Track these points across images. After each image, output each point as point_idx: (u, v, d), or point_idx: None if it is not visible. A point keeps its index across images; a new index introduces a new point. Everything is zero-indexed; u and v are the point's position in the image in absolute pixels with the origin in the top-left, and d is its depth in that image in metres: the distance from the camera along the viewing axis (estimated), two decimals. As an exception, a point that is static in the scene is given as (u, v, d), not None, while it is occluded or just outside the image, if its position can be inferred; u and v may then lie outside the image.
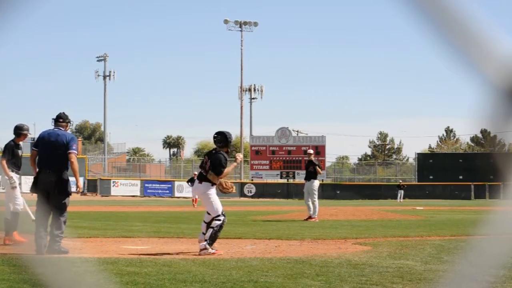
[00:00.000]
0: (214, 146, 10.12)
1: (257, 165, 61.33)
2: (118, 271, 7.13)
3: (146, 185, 57.69)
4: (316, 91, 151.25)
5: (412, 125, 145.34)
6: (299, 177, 57.78)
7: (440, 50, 2.00)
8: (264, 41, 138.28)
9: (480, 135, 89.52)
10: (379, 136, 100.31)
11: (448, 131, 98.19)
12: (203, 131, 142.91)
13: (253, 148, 61.98)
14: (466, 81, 2.03)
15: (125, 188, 56.56)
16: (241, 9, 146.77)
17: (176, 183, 57.59)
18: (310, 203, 19.09)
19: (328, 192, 56.33)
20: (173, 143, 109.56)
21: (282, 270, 7.42)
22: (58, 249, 9.18)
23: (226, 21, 66.57)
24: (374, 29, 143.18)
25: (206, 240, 9.46)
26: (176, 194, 56.26)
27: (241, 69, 67.34)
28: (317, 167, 19.51)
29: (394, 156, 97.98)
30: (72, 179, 9.53)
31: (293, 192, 57.35)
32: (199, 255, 9.21)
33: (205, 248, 9.38)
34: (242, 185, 59.72)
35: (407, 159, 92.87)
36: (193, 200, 34.19)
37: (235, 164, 10.58)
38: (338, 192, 59.10)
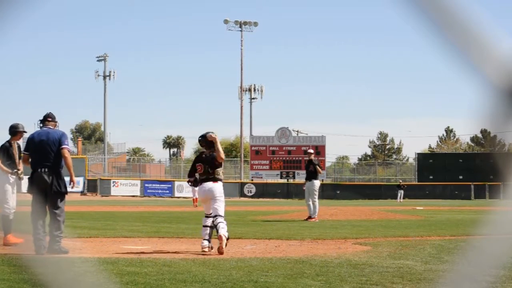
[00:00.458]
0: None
1: (257, 165, 61.32)
2: (118, 271, 7.13)
3: (146, 185, 57.69)
4: (316, 91, 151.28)
5: (412, 125, 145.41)
6: (299, 177, 57.77)
7: (440, 50, 2.00)
8: (264, 41, 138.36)
9: (480, 135, 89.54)
10: (379, 136, 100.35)
11: (448, 131, 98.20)
12: (203, 131, 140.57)
13: (253, 148, 61.97)
14: (466, 81, 2.03)
15: (125, 188, 56.57)
16: (241, 9, 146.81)
17: (176, 183, 57.59)
18: (310, 203, 19.10)
19: (328, 192, 56.30)
20: (173, 143, 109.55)
21: (282, 270, 7.42)
22: (58, 249, 9.17)
23: (226, 21, 66.54)
24: (374, 29, 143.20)
25: (224, 235, 9.52)
26: (176, 194, 56.25)
27: (241, 69, 67.35)
28: (317, 167, 19.52)
29: (394, 156, 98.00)
30: (67, 178, 9.51)
31: (293, 192, 57.35)
32: (220, 253, 9.28)
33: (226, 238, 9.49)
34: (242, 185, 59.73)
35: (407, 159, 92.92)
36: (193, 200, 34.23)
37: (218, 140, 10.47)
38: (338, 192, 59.09)
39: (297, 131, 78.06)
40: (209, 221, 9.84)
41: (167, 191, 57.03)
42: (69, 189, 9.63)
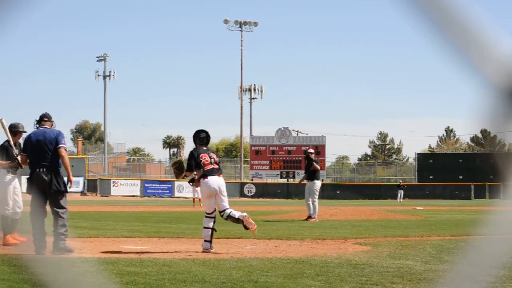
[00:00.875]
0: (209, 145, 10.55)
1: (257, 165, 61.31)
2: (118, 271, 7.13)
3: (146, 185, 57.69)
4: (316, 91, 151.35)
5: (412, 125, 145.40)
6: (299, 177, 57.60)
7: (440, 50, 2.00)
8: (264, 41, 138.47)
9: (480, 135, 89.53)
10: (379, 136, 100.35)
11: (448, 131, 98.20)
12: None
13: (253, 148, 61.96)
14: (466, 81, 2.03)
15: (125, 188, 56.57)
16: (241, 9, 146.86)
17: (176, 183, 57.54)
18: (310, 202, 19.09)
19: (328, 192, 56.27)
20: (173, 143, 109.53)
21: (282, 270, 7.42)
22: (64, 248, 9.15)
23: (226, 21, 66.52)
24: (374, 29, 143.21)
25: (245, 215, 9.74)
26: (176, 194, 56.23)
27: (241, 69, 67.34)
28: (315, 163, 19.42)
29: (394, 156, 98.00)
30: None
31: (293, 192, 57.31)
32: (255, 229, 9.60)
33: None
34: (242, 185, 59.71)
35: (407, 159, 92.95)
36: (193, 199, 34.24)
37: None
38: (338, 192, 59.08)
39: (297, 131, 78.07)
40: (211, 223, 9.81)
41: (167, 191, 57.02)
42: (68, 189, 9.63)
